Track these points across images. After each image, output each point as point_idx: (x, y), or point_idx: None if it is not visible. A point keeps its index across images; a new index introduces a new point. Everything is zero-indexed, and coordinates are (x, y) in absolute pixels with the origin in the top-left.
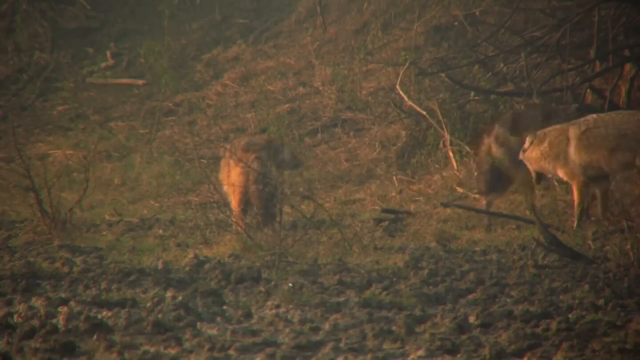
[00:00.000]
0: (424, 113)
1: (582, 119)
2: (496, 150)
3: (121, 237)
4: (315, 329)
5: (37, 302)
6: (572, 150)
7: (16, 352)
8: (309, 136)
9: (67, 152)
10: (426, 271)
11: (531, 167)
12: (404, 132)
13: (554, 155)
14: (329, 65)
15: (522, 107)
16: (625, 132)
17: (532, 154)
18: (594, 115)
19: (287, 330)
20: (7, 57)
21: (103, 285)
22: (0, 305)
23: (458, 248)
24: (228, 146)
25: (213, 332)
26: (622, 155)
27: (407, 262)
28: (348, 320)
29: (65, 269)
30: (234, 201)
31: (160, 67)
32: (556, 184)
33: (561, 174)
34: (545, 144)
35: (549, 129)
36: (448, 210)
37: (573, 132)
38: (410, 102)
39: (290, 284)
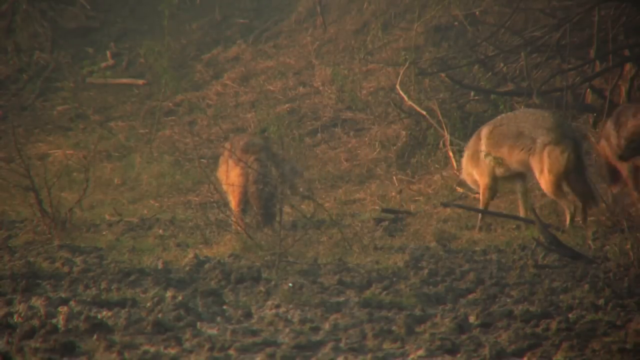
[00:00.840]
0: (424, 113)
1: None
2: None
3: (121, 237)
4: (315, 329)
5: (37, 302)
6: (482, 150)
7: (16, 352)
8: (309, 136)
9: (67, 152)
10: (426, 271)
11: (468, 181)
12: (404, 132)
13: (471, 156)
14: (329, 65)
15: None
16: (522, 130)
17: (463, 165)
18: (503, 114)
19: (287, 330)
20: (7, 57)
21: (103, 285)
22: (0, 305)
23: (458, 248)
24: (227, 145)
25: (213, 331)
26: (518, 153)
27: (407, 262)
28: (348, 320)
29: (65, 269)
30: (233, 201)
31: (160, 67)
32: None
33: (476, 174)
34: (467, 146)
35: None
36: (448, 210)
37: (484, 131)
38: (410, 102)
39: (290, 284)
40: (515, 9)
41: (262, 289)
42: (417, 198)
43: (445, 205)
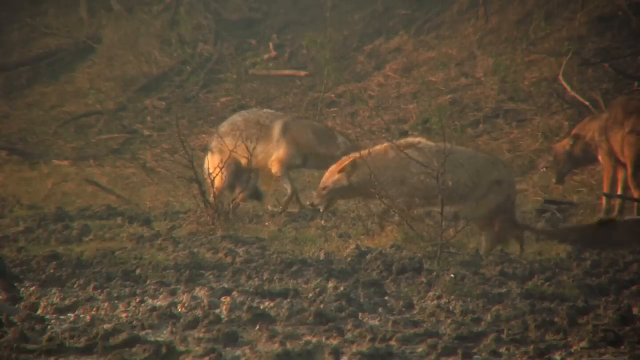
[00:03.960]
0: (587, 103)
1: None
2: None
3: (283, 228)
4: (477, 320)
5: (200, 292)
6: None
7: (180, 341)
8: (471, 127)
9: None
10: (589, 262)
11: None
12: (566, 123)
13: None
14: (491, 55)
15: None
16: None
17: None
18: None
19: (449, 321)
20: (171, 48)
21: (265, 275)
22: (164, 295)
23: None
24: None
25: (374, 322)
26: None
27: (569, 253)
28: (510, 311)
29: (228, 260)
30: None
31: (322, 58)
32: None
33: None
34: None
35: None
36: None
37: None
38: (573, 93)
39: (452, 275)
40: None
41: (423, 279)
42: (579, 189)
43: (607, 195)
